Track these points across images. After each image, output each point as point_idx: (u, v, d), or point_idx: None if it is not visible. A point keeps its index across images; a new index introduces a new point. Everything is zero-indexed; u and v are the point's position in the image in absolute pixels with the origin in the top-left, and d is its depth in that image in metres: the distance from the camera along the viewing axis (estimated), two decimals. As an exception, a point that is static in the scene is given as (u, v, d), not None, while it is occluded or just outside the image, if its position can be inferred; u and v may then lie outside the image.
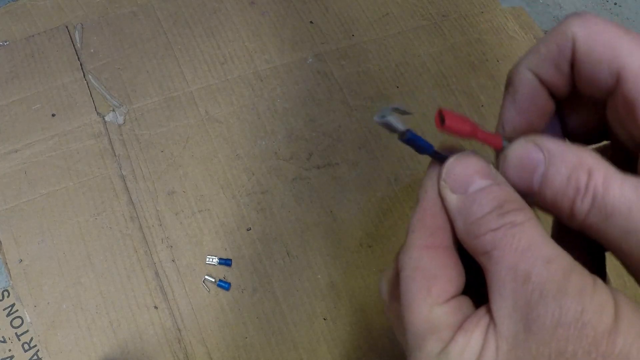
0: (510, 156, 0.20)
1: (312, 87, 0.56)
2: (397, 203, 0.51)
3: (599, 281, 0.17)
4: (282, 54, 0.57)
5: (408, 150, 0.54)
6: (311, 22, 0.59)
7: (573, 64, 0.20)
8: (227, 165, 0.52)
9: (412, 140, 0.20)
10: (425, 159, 0.22)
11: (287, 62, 0.57)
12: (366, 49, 0.58)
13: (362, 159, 0.53)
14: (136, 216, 0.49)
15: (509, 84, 0.22)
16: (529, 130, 0.22)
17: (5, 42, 0.55)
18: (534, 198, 0.19)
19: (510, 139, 0.21)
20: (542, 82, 0.21)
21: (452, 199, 0.19)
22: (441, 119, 0.20)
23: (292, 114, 0.54)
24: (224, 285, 0.47)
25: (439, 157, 0.21)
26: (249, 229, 0.49)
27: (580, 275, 0.17)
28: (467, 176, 0.19)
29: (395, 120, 0.19)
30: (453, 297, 0.19)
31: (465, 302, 0.20)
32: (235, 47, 0.57)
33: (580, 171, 0.18)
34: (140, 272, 0.47)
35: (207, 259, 0.48)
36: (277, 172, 0.52)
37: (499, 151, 0.21)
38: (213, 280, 0.47)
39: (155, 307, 0.46)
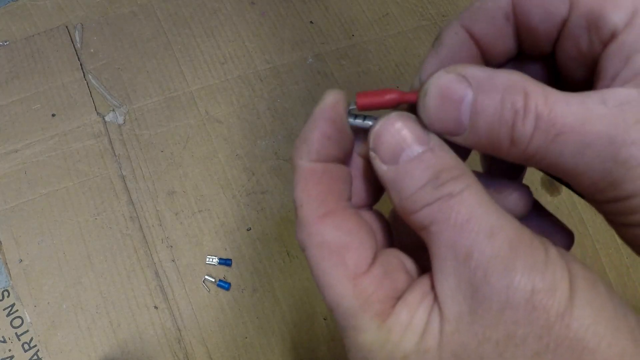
0: (430, 91, 0.17)
1: (312, 87, 0.56)
2: (397, 203, 0.51)
3: (552, 251, 0.15)
4: (282, 54, 0.57)
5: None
6: (311, 22, 0.59)
7: (514, 13, 0.18)
8: (227, 165, 0.52)
9: (355, 126, 0.19)
10: None
11: (287, 62, 0.57)
12: (366, 49, 0.58)
13: (362, 159, 0.53)
14: (136, 216, 0.49)
15: (437, 38, 0.20)
16: None
17: (5, 42, 0.55)
18: (464, 137, 0.17)
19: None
20: (474, 39, 0.19)
21: (383, 170, 0.17)
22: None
23: (292, 114, 0.54)
24: (224, 285, 0.47)
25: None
26: (249, 229, 0.49)
27: (529, 248, 0.15)
28: (396, 144, 0.17)
29: (360, 122, 0.18)
30: (374, 261, 0.17)
31: (394, 263, 0.18)
32: (235, 47, 0.57)
33: (514, 93, 0.16)
34: (140, 272, 0.47)
35: (207, 259, 0.48)
36: (277, 172, 0.52)
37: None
38: (213, 280, 0.47)
39: (155, 307, 0.46)
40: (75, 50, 0.55)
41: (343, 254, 0.17)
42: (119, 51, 0.55)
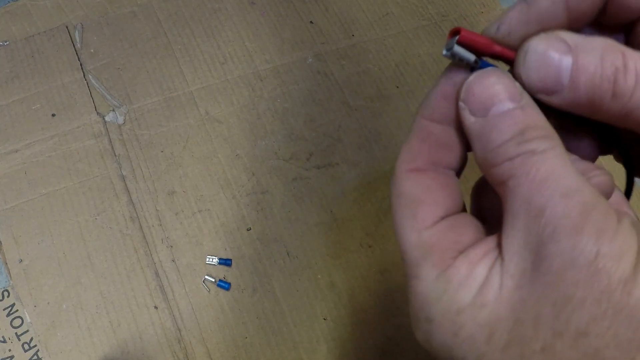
0: (530, 51, 0.18)
1: (312, 87, 0.56)
2: (397, 203, 0.51)
3: (626, 221, 0.15)
4: (282, 54, 0.57)
5: (408, 150, 0.54)
6: (311, 22, 0.59)
7: None
8: (227, 165, 0.52)
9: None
10: None
11: (287, 62, 0.57)
12: (366, 49, 0.58)
13: (362, 159, 0.53)
14: (136, 216, 0.49)
15: None
16: (526, 38, 0.19)
17: (5, 42, 0.55)
18: (562, 95, 0.17)
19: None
20: (568, 6, 0.19)
21: (470, 122, 0.18)
22: (454, 32, 0.19)
23: (292, 114, 0.54)
24: (224, 285, 0.47)
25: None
26: (249, 229, 0.49)
27: (602, 214, 0.15)
28: (488, 97, 0.17)
29: (463, 51, 0.19)
30: (442, 218, 0.18)
31: (463, 221, 0.19)
32: (235, 47, 0.57)
33: (613, 53, 0.16)
34: (140, 272, 0.47)
35: (207, 259, 0.48)
36: (277, 172, 0.52)
37: (512, 64, 0.20)
38: (213, 280, 0.47)
39: (155, 307, 0.46)
40: (75, 50, 0.55)
41: (415, 206, 0.18)
42: (119, 51, 0.55)
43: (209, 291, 0.47)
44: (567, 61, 0.17)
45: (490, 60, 0.19)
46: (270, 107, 0.54)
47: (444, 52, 0.19)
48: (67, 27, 0.56)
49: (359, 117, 0.55)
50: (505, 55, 0.19)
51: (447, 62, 0.20)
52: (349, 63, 0.57)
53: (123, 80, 0.54)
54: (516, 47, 0.19)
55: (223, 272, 0.48)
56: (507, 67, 0.20)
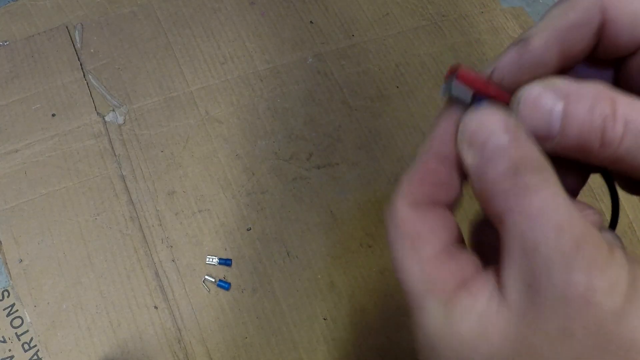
0: (525, 98, 0.18)
1: (312, 87, 0.56)
2: (397, 203, 0.51)
3: (618, 253, 0.16)
4: (282, 54, 0.57)
5: (408, 150, 0.54)
6: (311, 22, 0.59)
7: (602, 30, 0.19)
8: (227, 165, 0.52)
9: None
10: None
11: (287, 62, 0.57)
12: (366, 49, 0.58)
13: (362, 159, 0.53)
14: (136, 216, 0.49)
15: (524, 38, 0.20)
16: (516, 85, 0.20)
17: (5, 42, 0.55)
18: (554, 142, 0.18)
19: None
20: (561, 52, 0.20)
21: (467, 156, 0.18)
22: (452, 71, 0.19)
23: (292, 114, 0.54)
24: (224, 285, 0.47)
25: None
26: (249, 229, 0.49)
27: (593, 247, 0.15)
28: (483, 132, 0.18)
29: (461, 90, 0.19)
30: (442, 252, 0.19)
31: (463, 255, 0.19)
32: (235, 47, 0.57)
33: (603, 101, 0.17)
34: (140, 272, 0.47)
35: (207, 259, 0.48)
36: (277, 172, 0.52)
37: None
38: (213, 280, 0.47)
39: (155, 307, 0.46)
40: (75, 50, 0.55)
41: (416, 240, 0.19)
42: (119, 51, 0.55)
43: (209, 291, 0.47)
44: (558, 109, 0.17)
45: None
46: (270, 107, 0.54)
47: (441, 92, 0.20)
48: (67, 27, 0.56)
49: (359, 117, 0.55)
50: (499, 98, 0.20)
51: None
52: (349, 63, 0.57)
53: (123, 80, 0.54)
54: (510, 90, 0.20)
55: (223, 272, 0.48)
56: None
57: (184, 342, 0.45)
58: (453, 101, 0.20)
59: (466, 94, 0.19)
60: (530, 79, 0.19)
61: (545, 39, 0.19)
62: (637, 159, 0.17)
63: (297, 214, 0.50)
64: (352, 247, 0.50)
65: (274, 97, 0.55)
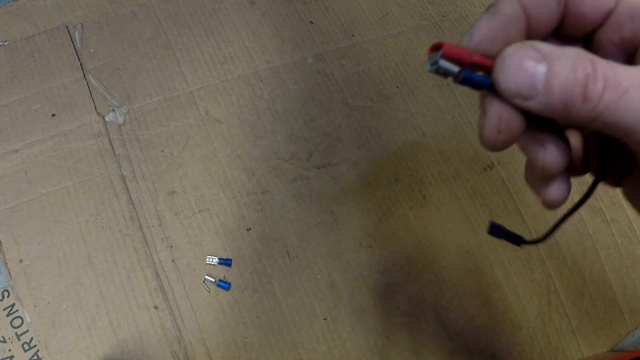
0: (507, 60, 0.20)
1: (312, 87, 0.56)
2: (397, 203, 0.51)
3: None
4: (282, 54, 0.57)
5: (408, 150, 0.54)
6: (311, 22, 0.59)
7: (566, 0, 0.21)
8: (227, 165, 0.52)
9: (469, 79, 0.21)
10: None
11: (287, 62, 0.57)
12: (366, 49, 0.58)
13: (362, 159, 0.53)
14: (136, 216, 0.49)
15: (492, 5, 0.22)
16: (494, 48, 0.22)
17: (5, 42, 0.55)
18: (537, 100, 0.19)
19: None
20: (526, 14, 0.21)
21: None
22: (435, 48, 0.21)
23: (292, 114, 0.54)
24: (224, 285, 0.47)
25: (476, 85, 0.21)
26: (249, 229, 0.49)
27: None
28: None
29: (447, 64, 0.20)
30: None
31: None
32: (235, 47, 0.57)
33: (584, 61, 0.18)
34: (140, 272, 0.47)
35: (207, 259, 0.48)
36: (277, 172, 0.52)
37: (489, 71, 0.21)
38: (213, 280, 0.47)
39: (155, 307, 0.46)
40: (75, 50, 0.55)
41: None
42: (119, 51, 0.55)
43: (209, 291, 0.47)
44: (541, 68, 0.19)
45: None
46: (270, 107, 0.54)
47: (429, 67, 0.21)
48: (67, 27, 0.56)
49: (359, 117, 0.55)
50: (483, 63, 0.21)
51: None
52: (349, 63, 0.57)
53: (123, 80, 0.54)
54: (489, 55, 0.21)
55: (223, 272, 0.48)
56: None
57: (184, 342, 0.45)
58: (440, 75, 0.21)
59: (452, 67, 0.21)
60: (505, 42, 0.21)
61: (511, 2, 0.21)
62: (616, 114, 0.18)
63: (297, 214, 0.50)
64: (352, 247, 0.50)
65: (274, 97, 0.55)
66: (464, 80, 0.21)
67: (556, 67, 0.19)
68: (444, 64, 0.21)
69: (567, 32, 0.22)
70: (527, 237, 0.26)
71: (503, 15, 0.21)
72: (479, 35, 0.21)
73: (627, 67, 0.19)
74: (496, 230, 0.26)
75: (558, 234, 0.52)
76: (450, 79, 0.21)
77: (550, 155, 0.22)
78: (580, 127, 0.23)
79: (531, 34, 0.22)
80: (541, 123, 0.22)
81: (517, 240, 0.26)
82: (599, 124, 0.19)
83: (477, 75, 0.21)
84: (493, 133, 0.21)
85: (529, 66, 0.19)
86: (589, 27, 0.21)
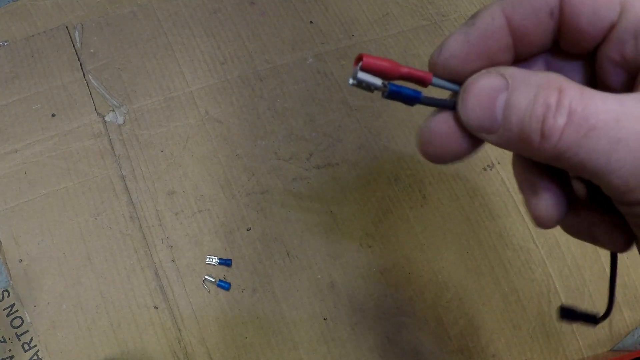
0: (470, 86, 0.18)
1: (312, 87, 0.56)
2: (397, 203, 0.51)
3: None
4: (282, 54, 0.57)
5: (408, 150, 0.54)
6: (311, 22, 0.59)
7: (561, 11, 0.18)
8: (227, 165, 0.52)
9: (397, 93, 0.19)
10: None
11: (287, 62, 0.57)
12: (366, 49, 0.58)
13: (362, 159, 0.53)
14: (136, 216, 0.49)
15: (472, 17, 0.19)
16: (468, 65, 0.19)
17: (5, 42, 0.55)
18: (498, 134, 0.17)
19: (437, 72, 0.19)
20: (511, 27, 0.19)
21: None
22: (359, 60, 0.19)
23: (292, 114, 0.54)
24: (224, 285, 0.47)
25: (433, 103, 0.19)
26: (249, 229, 0.49)
27: None
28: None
29: (369, 77, 0.18)
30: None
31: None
32: (235, 47, 0.57)
33: (548, 90, 0.16)
34: (140, 272, 0.47)
35: (207, 259, 0.48)
36: (277, 172, 0.52)
37: (425, 85, 0.19)
38: (213, 280, 0.47)
39: (155, 307, 0.46)
40: (75, 50, 0.55)
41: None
42: (119, 51, 0.55)
43: (209, 291, 0.47)
44: (502, 99, 0.17)
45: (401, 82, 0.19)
46: (270, 107, 0.54)
47: (350, 81, 0.19)
48: (67, 27, 0.56)
49: (359, 117, 0.55)
50: (414, 75, 0.19)
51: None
52: (349, 63, 0.57)
53: (123, 80, 0.54)
54: (461, 74, 0.19)
55: (223, 272, 0.48)
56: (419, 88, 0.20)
57: (184, 342, 0.45)
58: (364, 89, 0.19)
59: (374, 80, 0.19)
60: (481, 58, 0.19)
61: (491, 14, 0.19)
62: (580, 155, 0.16)
63: (297, 214, 0.50)
64: (352, 247, 0.50)
65: (274, 97, 0.55)
66: (392, 94, 0.19)
67: (515, 97, 0.16)
68: (364, 76, 0.18)
69: (567, 48, 0.19)
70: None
71: (479, 29, 0.19)
72: (449, 51, 0.19)
73: (606, 96, 0.16)
74: (569, 314, 0.23)
75: (558, 234, 0.52)
76: (378, 94, 0.19)
77: (544, 205, 0.19)
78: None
79: (521, 49, 0.19)
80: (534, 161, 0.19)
81: (592, 320, 0.23)
82: (564, 164, 0.16)
83: (406, 88, 0.19)
84: (424, 142, 0.19)
85: (489, 96, 0.17)
86: (589, 44, 0.19)
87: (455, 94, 0.19)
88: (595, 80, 0.20)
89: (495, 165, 0.53)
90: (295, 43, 0.58)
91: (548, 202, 0.19)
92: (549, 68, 0.21)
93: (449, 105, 0.19)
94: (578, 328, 0.50)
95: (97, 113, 0.52)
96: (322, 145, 0.53)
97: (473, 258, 0.50)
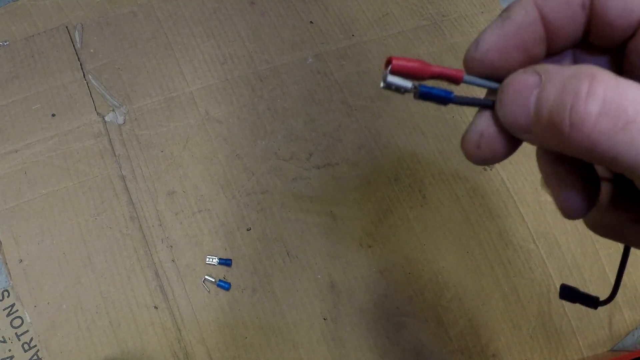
0: (506, 85, 0.18)
1: (312, 87, 0.56)
2: (397, 203, 0.51)
3: None
4: (282, 54, 0.57)
5: (408, 150, 0.54)
6: (311, 22, 0.59)
7: (592, 3, 0.18)
8: (227, 165, 0.52)
9: (428, 94, 0.19)
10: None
11: (287, 62, 0.57)
12: (366, 49, 0.58)
13: (362, 159, 0.53)
14: (136, 216, 0.49)
15: (505, 10, 0.19)
16: (505, 58, 0.19)
17: (5, 42, 0.55)
18: (532, 135, 0.17)
19: (474, 71, 0.19)
20: (544, 20, 0.18)
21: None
22: (389, 62, 0.19)
23: (292, 114, 0.54)
24: (224, 285, 0.47)
25: (469, 102, 0.19)
26: (249, 229, 0.49)
27: None
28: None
29: (399, 80, 0.19)
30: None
31: None
32: (235, 47, 0.57)
33: (578, 78, 0.15)
34: (140, 272, 0.47)
35: (207, 259, 0.48)
36: (277, 172, 0.52)
37: (457, 83, 0.20)
38: (213, 280, 0.47)
39: (155, 307, 0.46)
40: (75, 50, 0.55)
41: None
42: (119, 51, 0.55)
43: (209, 291, 0.47)
44: (534, 94, 0.16)
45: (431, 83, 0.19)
46: (270, 107, 0.54)
47: (382, 84, 0.19)
48: (67, 27, 0.56)
49: (359, 117, 0.55)
50: (445, 74, 0.19)
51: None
52: (349, 63, 0.57)
53: (123, 80, 0.54)
54: (496, 66, 0.19)
55: (223, 272, 0.48)
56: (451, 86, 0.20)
57: (184, 342, 0.45)
58: (393, 90, 0.19)
59: (404, 82, 0.19)
60: (517, 51, 0.19)
61: (524, 6, 0.19)
62: (616, 148, 0.15)
63: (297, 214, 0.50)
64: (352, 247, 0.50)
65: (274, 97, 0.55)
66: (423, 95, 0.19)
67: (546, 90, 0.16)
68: (394, 80, 0.18)
69: (596, 41, 0.19)
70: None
71: (514, 22, 0.19)
72: (486, 44, 0.19)
73: None
74: (568, 293, 0.22)
75: (558, 233, 0.52)
76: (410, 95, 0.19)
77: (571, 196, 0.19)
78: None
79: (553, 42, 0.19)
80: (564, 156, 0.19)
81: (592, 302, 0.22)
82: (597, 158, 0.15)
83: (436, 89, 0.19)
84: (472, 146, 0.19)
85: (525, 93, 0.17)
86: (618, 37, 0.18)
87: (491, 92, 0.19)
88: (622, 75, 0.20)
89: (495, 165, 0.53)
90: (295, 43, 0.58)
91: (575, 193, 0.19)
92: (576, 63, 0.21)
93: (487, 104, 0.19)
94: (578, 328, 0.50)
95: (97, 113, 0.52)
96: (322, 145, 0.53)
97: (473, 258, 0.50)
